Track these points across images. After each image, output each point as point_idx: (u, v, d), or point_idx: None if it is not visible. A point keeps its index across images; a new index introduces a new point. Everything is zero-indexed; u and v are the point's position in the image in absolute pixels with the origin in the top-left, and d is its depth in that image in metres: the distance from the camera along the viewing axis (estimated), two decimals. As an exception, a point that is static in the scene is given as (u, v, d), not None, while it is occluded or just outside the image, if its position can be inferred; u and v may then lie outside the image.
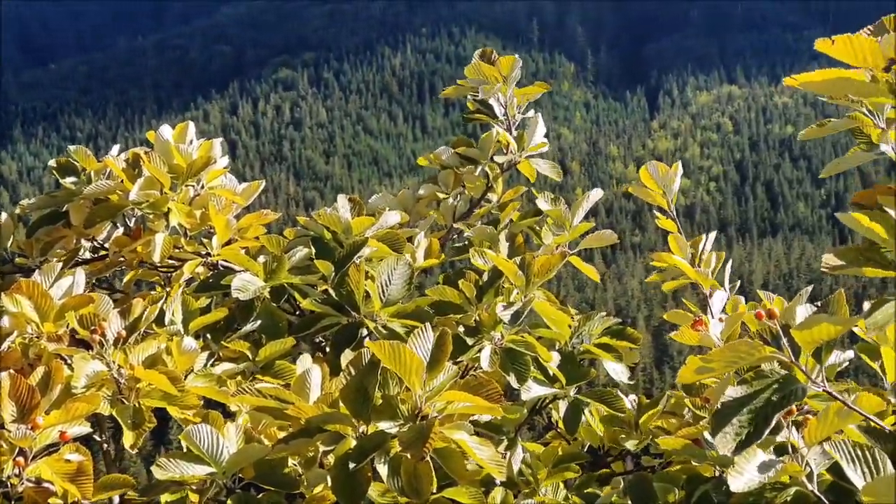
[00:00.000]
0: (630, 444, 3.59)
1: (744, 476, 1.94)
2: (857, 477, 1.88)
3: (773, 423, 1.86)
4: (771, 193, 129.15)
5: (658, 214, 3.40)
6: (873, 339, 2.68)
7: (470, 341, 3.28)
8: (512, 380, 3.21)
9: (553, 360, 3.39)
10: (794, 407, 1.95)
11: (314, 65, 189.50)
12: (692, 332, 2.69)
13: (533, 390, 3.31)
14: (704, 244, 3.37)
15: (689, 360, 1.92)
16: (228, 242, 3.51)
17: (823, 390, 1.93)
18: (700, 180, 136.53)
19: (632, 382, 3.66)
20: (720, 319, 2.84)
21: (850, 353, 3.02)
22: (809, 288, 2.61)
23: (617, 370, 3.53)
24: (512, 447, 3.56)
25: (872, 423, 1.97)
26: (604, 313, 3.64)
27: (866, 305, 1.87)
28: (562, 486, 3.70)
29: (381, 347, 2.29)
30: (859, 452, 1.90)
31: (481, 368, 3.26)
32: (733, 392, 1.92)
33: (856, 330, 2.37)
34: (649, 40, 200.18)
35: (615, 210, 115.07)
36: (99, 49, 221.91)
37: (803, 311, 2.14)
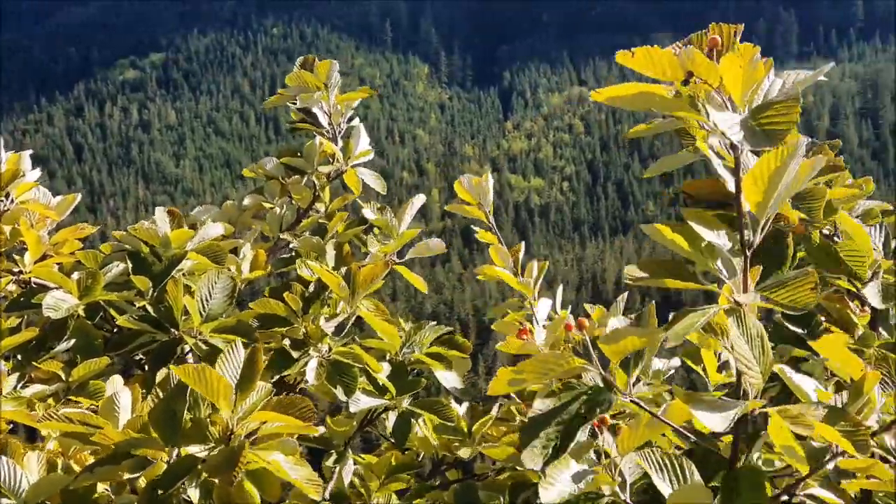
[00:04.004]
0: (463, 453, 3.59)
1: (555, 487, 1.93)
2: (664, 486, 1.89)
3: (580, 435, 1.86)
4: (621, 192, 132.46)
5: (476, 228, 3.40)
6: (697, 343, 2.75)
7: (296, 354, 3.22)
8: (339, 393, 3.17)
9: (383, 371, 3.36)
10: (607, 416, 1.97)
11: (162, 66, 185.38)
12: (517, 341, 2.71)
13: (361, 402, 3.27)
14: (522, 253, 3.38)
15: (500, 371, 1.91)
16: (43, 258, 3.36)
17: (631, 401, 1.94)
18: (554, 180, 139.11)
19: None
20: (543, 327, 2.86)
21: (676, 361, 3.10)
22: (625, 294, 2.65)
23: (447, 379, 3.52)
24: (342, 460, 3.52)
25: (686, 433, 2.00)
26: (434, 323, 3.62)
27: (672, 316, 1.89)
28: (394, 497, 3.68)
29: (185, 371, 2.21)
30: (667, 461, 1.92)
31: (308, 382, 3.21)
32: (541, 405, 1.91)
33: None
34: (502, 42, 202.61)
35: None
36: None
37: (616, 322, 2.15)
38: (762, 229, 1.78)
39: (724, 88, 1.70)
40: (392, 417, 3.46)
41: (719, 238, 1.83)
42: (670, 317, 1.79)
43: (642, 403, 1.98)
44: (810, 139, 2.62)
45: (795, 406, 1.75)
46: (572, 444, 1.87)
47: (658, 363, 2.98)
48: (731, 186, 1.77)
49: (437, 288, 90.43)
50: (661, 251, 1.93)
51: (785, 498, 2.02)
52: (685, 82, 1.71)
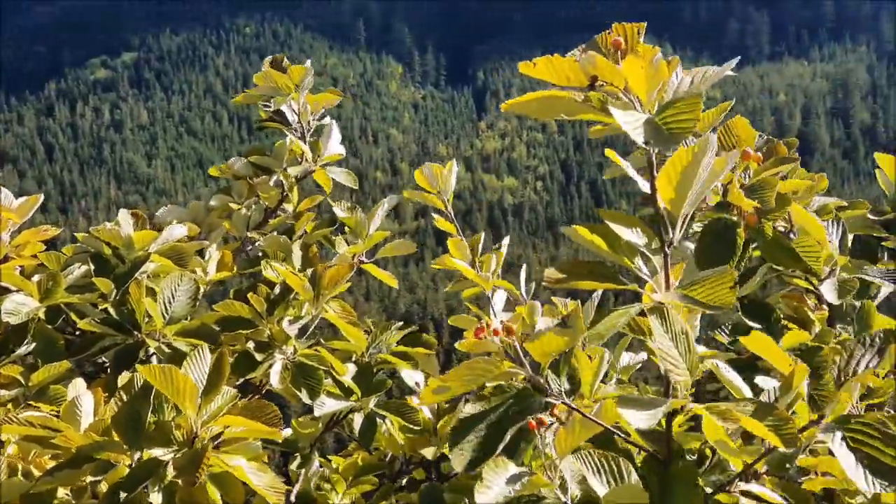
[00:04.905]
0: (427, 453, 3.58)
1: (492, 490, 1.92)
2: (601, 486, 1.89)
3: (508, 437, 1.84)
4: (595, 192, 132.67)
5: (435, 216, 3.40)
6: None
7: (260, 357, 3.20)
8: (303, 396, 3.15)
9: (348, 373, 3.35)
10: (544, 417, 1.96)
11: (134, 65, 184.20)
12: (474, 339, 2.69)
13: (327, 405, 3.26)
14: (482, 244, 3.37)
15: (430, 381, 1.90)
16: (4, 261, 3.32)
17: (562, 402, 1.93)
18: (527, 179, 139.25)
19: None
20: (501, 321, 2.85)
21: (643, 355, 3.10)
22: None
23: (411, 377, 3.51)
24: (307, 462, 3.50)
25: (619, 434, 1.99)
26: (400, 323, 3.61)
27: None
28: (361, 498, 3.67)
29: (151, 371, 2.19)
30: (604, 462, 1.92)
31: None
32: (471, 409, 1.90)
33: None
34: (475, 42, 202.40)
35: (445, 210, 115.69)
36: None
37: (543, 323, 2.15)
38: (682, 226, 1.77)
39: (630, 90, 1.70)
40: (357, 419, 3.44)
41: (637, 236, 1.82)
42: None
43: (572, 404, 1.97)
44: (763, 135, 2.63)
45: (724, 402, 1.76)
46: (501, 446, 1.86)
47: (626, 357, 2.98)
48: (645, 187, 1.76)
49: (410, 287, 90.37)
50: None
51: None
52: (591, 87, 1.72)
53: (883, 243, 2.87)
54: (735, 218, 2.30)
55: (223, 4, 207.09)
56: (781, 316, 2.60)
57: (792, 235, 2.49)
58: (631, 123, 1.64)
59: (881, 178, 2.99)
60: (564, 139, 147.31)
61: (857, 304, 2.55)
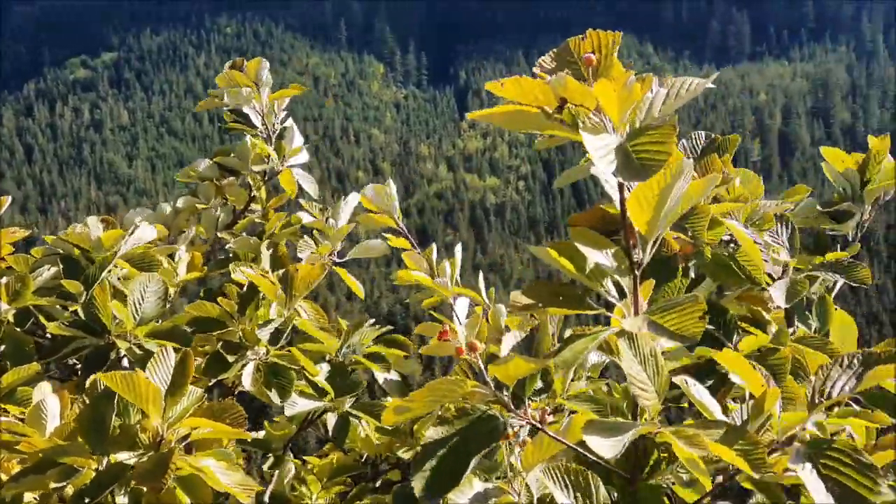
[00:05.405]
0: (403, 453, 3.58)
1: None
2: (568, 502, 1.86)
3: (475, 463, 1.79)
4: (577, 191, 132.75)
5: (388, 235, 3.39)
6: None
7: (231, 358, 3.19)
8: (273, 396, 3.14)
9: (321, 374, 3.34)
10: (511, 431, 1.94)
11: (114, 65, 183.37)
12: (440, 344, 2.68)
13: (298, 405, 3.25)
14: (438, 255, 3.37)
15: (392, 401, 1.88)
16: (-28, 263, 3.29)
17: (528, 423, 1.91)
18: (509, 179, 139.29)
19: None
20: (466, 326, 2.85)
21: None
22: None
23: (382, 375, 3.51)
24: (280, 463, 3.49)
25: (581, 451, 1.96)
26: (372, 321, 3.60)
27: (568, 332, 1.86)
28: (336, 499, 3.66)
29: (112, 378, 2.17)
30: (571, 477, 1.89)
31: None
32: (434, 433, 1.85)
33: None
34: (457, 42, 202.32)
35: (427, 210, 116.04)
36: None
37: (510, 339, 2.11)
38: (652, 247, 1.74)
39: (602, 109, 1.65)
40: (331, 420, 3.43)
41: (606, 258, 1.79)
42: (565, 335, 1.76)
43: (538, 424, 1.95)
44: (710, 135, 2.61)
45: (691, 426, 1.73)
46: (467, 472, 1.81)
47: (594, 357, 2.97)
48: (617, 205, 1.74)
49: (393, 287, 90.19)
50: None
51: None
52: (560, 108, 1.66)
53: (831, 231, 2.86)
54: (666, 251, 2.27)
55: (204, 4, 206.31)
56: (735, 317, 2.56)
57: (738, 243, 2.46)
58: (601, 150, 1.58)
59: (826, 168, 2.99)
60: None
61: (816, 297, 2.54)
